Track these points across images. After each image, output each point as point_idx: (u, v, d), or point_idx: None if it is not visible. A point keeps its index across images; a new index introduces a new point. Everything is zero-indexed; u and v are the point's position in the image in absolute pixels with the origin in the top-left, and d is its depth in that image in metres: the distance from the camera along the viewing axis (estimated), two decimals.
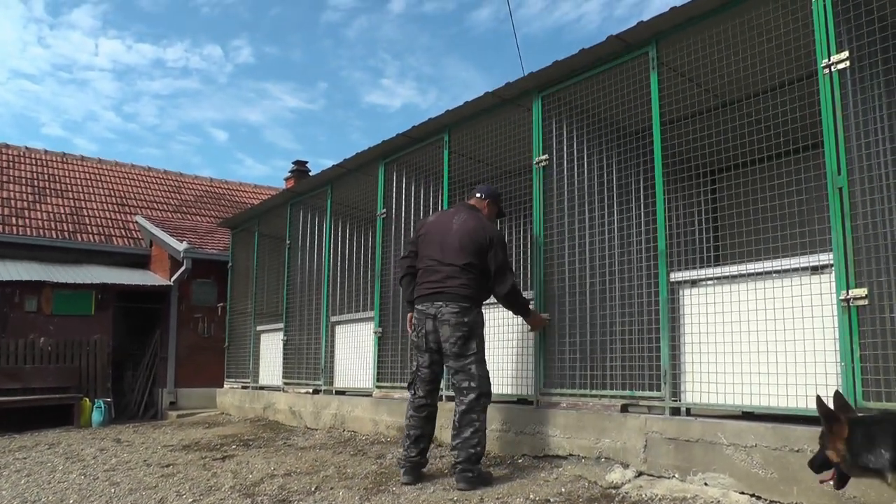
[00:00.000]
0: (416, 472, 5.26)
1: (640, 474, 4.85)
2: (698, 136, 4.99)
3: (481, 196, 5.64)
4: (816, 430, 3.91)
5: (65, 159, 18.68)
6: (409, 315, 5.61)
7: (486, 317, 5.61)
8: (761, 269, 4.47)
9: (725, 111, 5.19)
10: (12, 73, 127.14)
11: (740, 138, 4.85)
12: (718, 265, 4.87)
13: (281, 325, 10.19)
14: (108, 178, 18.64)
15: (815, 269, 4.21)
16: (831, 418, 2.98)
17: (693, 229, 5.01)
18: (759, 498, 4.16)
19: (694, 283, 4.88)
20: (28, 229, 14.77)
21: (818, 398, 3.09)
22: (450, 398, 6.25)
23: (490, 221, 5.58)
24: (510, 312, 5.82)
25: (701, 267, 4.92)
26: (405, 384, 6.15)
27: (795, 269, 4.31)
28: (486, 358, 5.33)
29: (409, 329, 5.64)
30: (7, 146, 17.99)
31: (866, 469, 2.85)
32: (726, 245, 5.15)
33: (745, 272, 4.57)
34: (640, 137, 5.59)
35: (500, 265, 5.27)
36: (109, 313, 13.58)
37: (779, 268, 4.38)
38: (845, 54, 4.09)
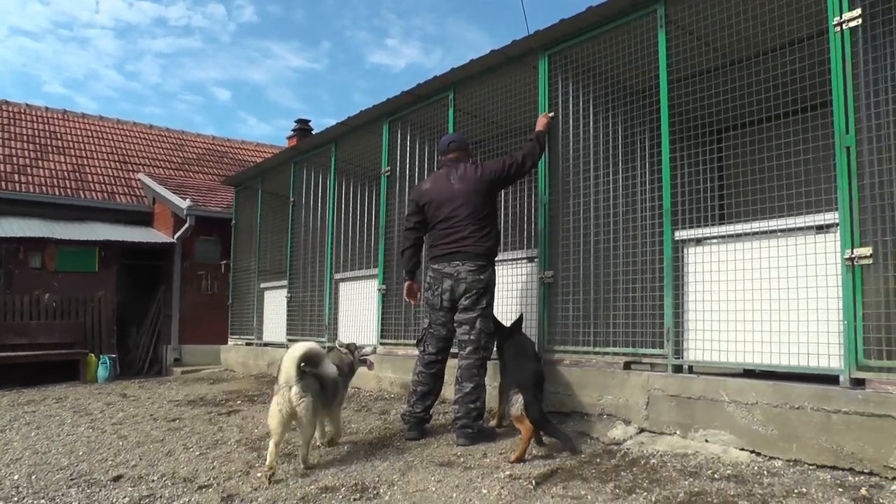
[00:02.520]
0: (420, 427, 5.34)
1: (641, 431, 4.91)
2: (706, 95, 4.96)
3: (457, 146, 5.67)
4: (818, 389, 3.98)
5: (66, 116, 18.60)
6: (407, 284, 5.69)
7: None
8: (766, 228, 4.47)
9: (733, 70, 5.14)
10: (11, 31, 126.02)
11: (748, 97, 4.81)
12: (723, 224, 4.87)
13: (285, 283, 10.23)
14: (110, 135, 18.57)
15: (821, 228, 4.21)
16: None
17: (699, 188, 5.00)
18: (759, 454, 4.22)
19: (699, 241, 4.89)
20: (31, 186, 14.78)
21: None
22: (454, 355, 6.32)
23: None
24: (514, 272, 5.89)
25: (706, 225, 4.92)
26: (409, 341, 6.22)
27: (801, 228, 4.31)
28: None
29: (406, 298, 5.73)
30: (7, 103, 17.90)
31: None
32: (731, 204, 5.16)
33: (750, 231, 4.57)
34: (646, 96, 5.55)
35: (516, 163, 5.42)
36: (113, 270, 13.65)
37: (784, 227, 4.38)
38: (857, 12, 4.04)
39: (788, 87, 4.62)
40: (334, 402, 5.02)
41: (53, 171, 15.66)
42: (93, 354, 12.29)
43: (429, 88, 7.15)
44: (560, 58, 5.96)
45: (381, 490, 3.96)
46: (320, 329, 9.11)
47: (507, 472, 4.13)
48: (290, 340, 9.89)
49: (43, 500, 4.10)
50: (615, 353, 5.31)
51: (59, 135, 17.42)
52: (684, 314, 4.92)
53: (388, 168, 7.81)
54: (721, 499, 3.50)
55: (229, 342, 12.49)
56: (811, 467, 3.93)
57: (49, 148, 16.60)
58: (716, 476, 3.90)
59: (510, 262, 6.36)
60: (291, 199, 10.17)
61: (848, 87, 4.03)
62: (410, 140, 7.67)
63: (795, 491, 3.55)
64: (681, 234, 4.95)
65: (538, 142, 5.51)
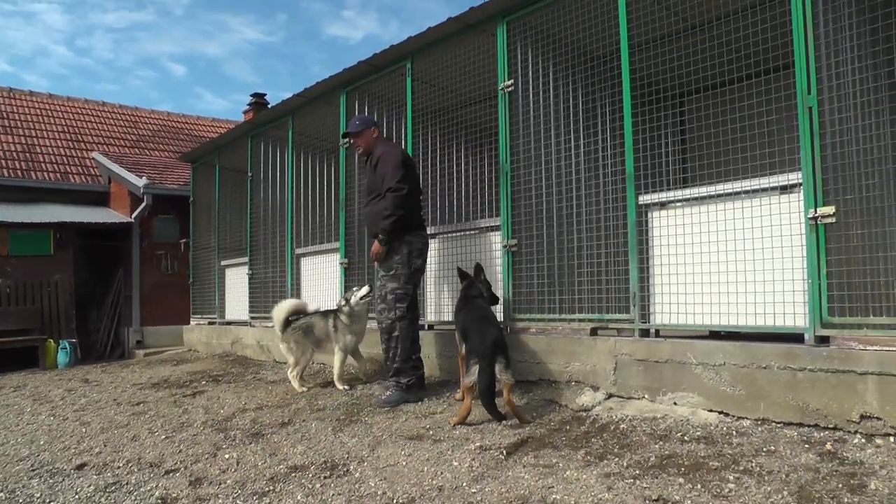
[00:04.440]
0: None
1: (610, 396, 4.92)
2: (666, 60, 4.92)
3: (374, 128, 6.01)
4: (784, 347, 4.01)
5: (12, 94, 18.00)
6: (384, 248, 5.62)
7: (445, 245, 6.34)
8: (730, 190, 4.46)
9: (694, 34, 5.10)
10: None
11: (709, 60, 4.78)
12: (687, 187, 4.86)
13: (245, 260, 10.09)
14: (60, 113, 18.05)
15: (784, 189, 4.21)
16: None
17: (661, 152, 4.98)
18: (727, 415, 4.25)
19: (663, 205, 4.87)
20: None
21: None
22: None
23: None
24: (478, 241, 5.93)
25: (669, 189, 4.91)
26: (372, 316, 6.17)
27: (764, 189, 4.31)
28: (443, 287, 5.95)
29: (375, 259, 5.70)
30: None
31: None
32: (695, 167, 5.15)
33: (714, 193, 4.56)
34: (607, 62, 5.49)
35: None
36: (70, 252, 13.32)
37: (748, 188, 4.37)
38: None
39: (751, 49, 4.60)
40: (326, 345, 6.61)
41: (2, 152, 15.17)
42: (52, 340, 12.03)
43: (386, 58, 7.02)
44: (519, 25, 5.87)
45: (352, 467, 3.92)
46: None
47: (478, 444, 4.11)
48: (252, 318, 9.78)
49: (2, 493, 3.98)
50: (581, 320, 5.30)
51: (5, 114, 16.86)
52: (650, 278, 4.92)
53: (346, 141, 7.68)
54: (692, 461, 3.51)
55: (192, 322, 12.32)
56: (778, 425, 3.98)
57: None
58: (685, 438, 3.92)
59: (473, 231, 6.31)
60: (249, 174, 9.99)
61: (809, 47, 4.02)
62: (368, 110, 7.54)
63: (764, 449, 3.58)
64: (644, 199, 4.93)
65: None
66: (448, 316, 6.38)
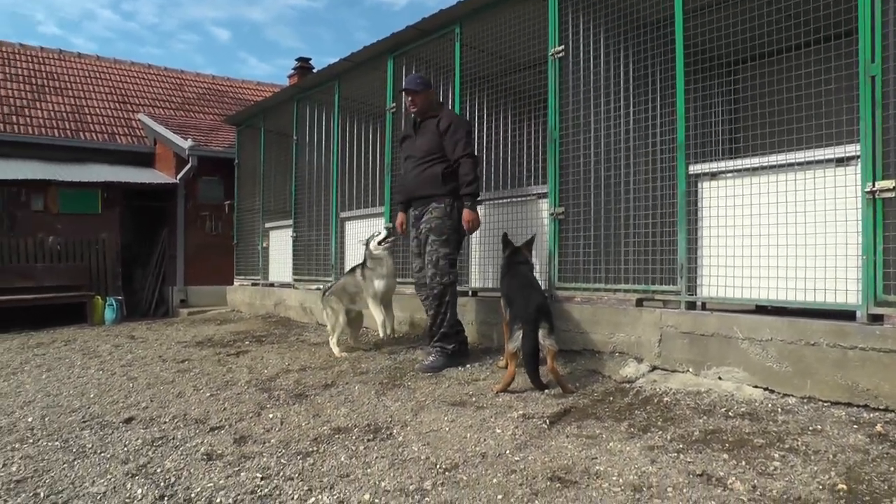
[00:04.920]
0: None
1: (654, 368, 4.88)
2: (721, 27, 4.80)
3: (432, 89, 6.11)
4: (834, 325, 3.93)
5: (62, 56, 18.25)
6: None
7: (493, 211, 6.28)
8: (784, 161, 4.35)
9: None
10: None
11: (767, 26, 4.65)
12: (738, 157, 4.74)
13: (289, 222, 10.16)
14: (108, 75, 18.26)
15: (840, 161, 4.10)
16: None
17: (713, 121, 4.88)
18: (772, 391, 4.19)
19: (713, 175, 4.78)
20: (29, 128, 14.57)
21: None
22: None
23: None
24: (525, 208, 5.90)
25: (721, 159, 4.81)
26: (411, 280, 6.21)
27: (819, 161, 4.19)
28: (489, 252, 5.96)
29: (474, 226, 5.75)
30: (1, 43, 17.55)
31: None
32: (748, 137, 5.02)
33: (766, 164, 4.45)
34: (659, 27, 5.37)
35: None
36: (117, 212, 13.55)
37: (802, 160, 4.26)
38: None
39: (811, 14, 4.46)
40: (359, 298, 6.53)
41: (52, 113, 15.42)
42: (99, 297, 12.28)
43: (435, 23, 6.95)
44: None
45: (395, 430, 3.95)
46: (326, 268, 9.07)
47: (521, 412, 4.11)
48: (296, 280, 9.87)
49: (57, 442, 4.09)
50: (627, 290, 5.26)
51: (55, 75, 17.11)
52: (698, 250, 4.84)
53: (394, 105, 7.65)
54: (736, 437, 3.47)
55: (235, 282, 12.48)
56: (825, 404, 3.91)
57: (46, 89, 16.32)
58: (730, 414, 3.88)
59: (520, 199, 6.26)
60: (294, 138, 10.02)
61: (876, 13, 3.87)
62: None
63: (810, 428, 3.53)
64: (695, 169, 4.84)
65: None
66: (491, 283, 6.37)
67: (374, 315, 6.36)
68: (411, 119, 6.14)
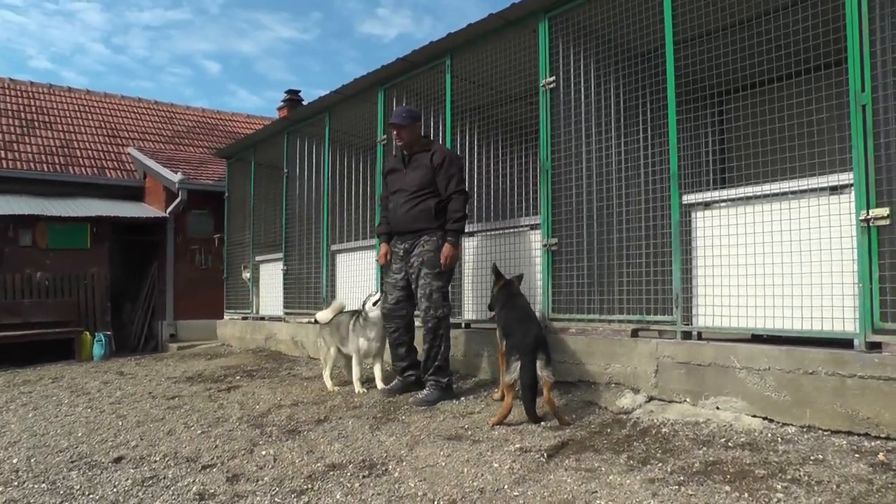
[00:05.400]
0: None
1: (650, 399, 4.84)
2: (712, 56, 4.82)
3: (419, 122, 6.10)
4: (832, 353, 3.90)
5: (52, 91, 18.25)
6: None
7: (484, 243, 6.20)
8: (778, 190, 4.36)
9: (742, 29, 5.00)
10: None
11: (758, 56, 4.68)
12: (732, 187, 4.75)
13: (280, 255, 10.10)
14: (97, 109, 18.26)
15: (835, 189, 4.10)
16: None
17: (706, 150, 4.89)
18: (771, 421, 4.15)
19: (707, 204, 4.78)
20: (18, 163, 14.51)
21: None
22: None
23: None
24: (517, 239, 5.87)
25: (714, 188, 4.81)
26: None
27: (813, 190, 4.20)
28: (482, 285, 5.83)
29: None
30: None
31: None
32: (740, 166, 5.03)
33: (760, 193, 4.46)
34: (650, 58, 5.40)
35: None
36: (106, 246, 13.47)
37: (795, 188, 4.27)
38: None
39: (801, 44, 4.49)
40: (348, 343, 6.43)
41: (41, 147, 15.38)
42: (87, 332, 12.15)
43: (425, 55, 6.97)
44: (561, 20, 5.79)
45: (390, 466, 3.88)
46: (318, 301, 9.00)
47: (518, 445, 4.05)
48: (286, 313, 9.80)
49: (43, 484, 4.00)
50: (622, 321, 5.23)
51: (45, 110, 17.09)
52: (693, 279, 4.82)
53: (385, 137, 7.65)
54: (737, 468, 3.43)
55: (225, 317, 12.38)
56: (826, 433, 3.87)
57: (35, 123, 16.28)
58: (730, 444, 3.84)
59: (511, 230, 6.25)
60: (285, 171, 10.00)
61: (864, 43, 3.90)
62: None
63: (812, 458, 3.49)
64: (688, 198, 4.84)
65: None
66: (484, 315, 6.32)
67: (353, 368, 6.38)
68: (398, 152, 6.12)
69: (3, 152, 14.59)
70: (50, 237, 12.85)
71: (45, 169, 14.68)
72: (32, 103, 17.18)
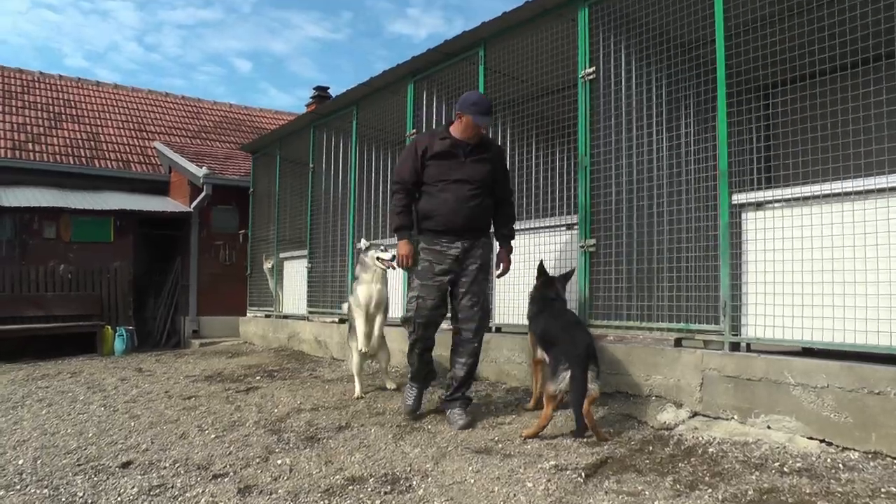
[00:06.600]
0: None
1: (694, 415, 4.50)
2: (767, 44, 4.48)
3: None
4: None
5: (80, 84, 18.19)
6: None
7: (517, 243, 5.45)
8: (840, 190, 3.99)
9: (800, 14, 4.64)
10: (33, 3, 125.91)
11: (817, 43, 4.32)
12: (788, 186, 4.38)
13: (305, 252, 9.86)
14: (125, 103, 18.18)
15: None
16: None
17: (752, 147, 4.54)
18: (830, 444, 3.80)
19: (759, 205, 4.42)
20: (45, 155, 14.44)
21: None
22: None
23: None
24: (552, 240, 5.52)
25: (768, 188, 4.45)
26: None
27: (880, 190, 3.84)
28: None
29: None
30: (21, 71, 17.51)
31: None
32: (796, 164, 4.65)
33: (819, 192, 4.09)
34: (696, 48, 5.06)
35: None
36: (129, 240, 13.32)
37: (860, 188, 3.90)
38: None
39: (865, 30, 4.13)
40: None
41: (68, 140, 15.31)
42: (109, 327, 12.00)
43: (457, 45, 6.68)
44: (601, 8, 5.46)
45: (415, 482, 3.58)
46: (342, 300, 8.74)
47: (552, 462, 3.74)
48: (310, 312, 9.55)
49: (46, 490, 3.75)
50: (665, 329, 4.89)
51: (73, 103, 17.04)
52: (742, 286, 4.46)
53: (414, 131, 7.37)
54: (796, 498, 3.10)
55: (248, 314, 12.19)
56: (895, 461, 3.52)
57: (63, 116, 16.22)
58: (785, 469, 3.50)
59: (546, 231, 5.92)
60: (311, 166, 9.76)
61: None
62: (437, 101, 7.21)
63: (883, 490, 3.14)
64: (739, 198, 4.48)
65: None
66: (516, 318, 5.99)
67: (357, 327, 6.05)
68: (444, 133, 5.07)
69: (31, 144, 14.52)
70: (74, 230, 12.72)
71: (72, 162, 14.59)
72: (61, 96, 17.12)
